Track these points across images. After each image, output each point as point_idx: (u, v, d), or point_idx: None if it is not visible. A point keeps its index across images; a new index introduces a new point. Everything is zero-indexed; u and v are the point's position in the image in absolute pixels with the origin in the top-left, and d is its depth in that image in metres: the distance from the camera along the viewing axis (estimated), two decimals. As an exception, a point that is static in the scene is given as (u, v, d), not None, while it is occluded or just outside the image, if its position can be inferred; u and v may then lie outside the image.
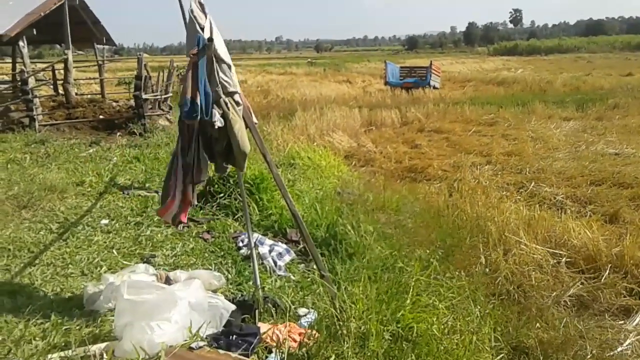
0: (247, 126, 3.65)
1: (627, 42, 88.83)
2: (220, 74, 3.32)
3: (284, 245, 5.30)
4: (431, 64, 28.92)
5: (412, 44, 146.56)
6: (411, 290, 4.00)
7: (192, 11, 3.35)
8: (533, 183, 9.90)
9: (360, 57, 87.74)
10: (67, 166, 8.67)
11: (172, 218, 3.65)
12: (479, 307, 4.35)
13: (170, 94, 15.56)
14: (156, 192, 7.00)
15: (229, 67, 3.43)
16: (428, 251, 4.82)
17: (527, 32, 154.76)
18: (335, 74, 43.19)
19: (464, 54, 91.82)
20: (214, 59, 3.27)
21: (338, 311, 3.65)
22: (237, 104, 3.49)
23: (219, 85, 3.30)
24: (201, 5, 3.44)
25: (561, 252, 5.91)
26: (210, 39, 3.23)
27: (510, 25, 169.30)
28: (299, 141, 13.07)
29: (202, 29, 3.27)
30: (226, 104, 3.34)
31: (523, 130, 15.46)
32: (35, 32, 12.98)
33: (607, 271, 5.43)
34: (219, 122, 3.26)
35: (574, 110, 18.92)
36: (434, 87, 27.32)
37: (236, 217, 6.11)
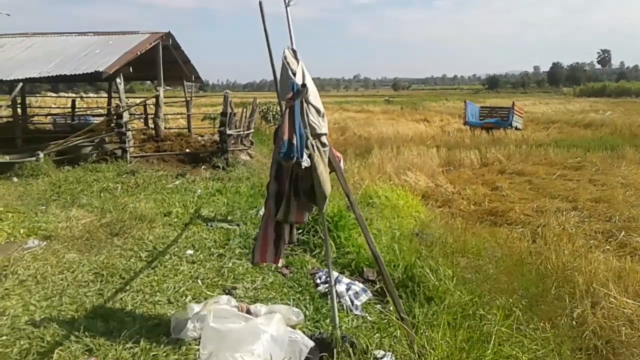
0: (332, 168, 3.74)
1: None
2: (310, 116, 3.45)
3: (361, 285, 5.29)
4: (513, 104, 28.30)
5: (493, 83, 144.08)
6: (493, 339, 3.88)
7: (285, 57, 3.53)
8: (623, 232, 9.35)
9: (439, 96, 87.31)
10: (155, 196, 9.15)
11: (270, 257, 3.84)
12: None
13: (252, 130, 16.15)
14: (237, 225, 7.23)
15: (318, 111, 3.56)
16: (510, 300, 4.64)
17: (616, 73, 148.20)
18: (412, 113, 43.20)
19: (548, 95, 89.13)
20: (304, 102, 3.42)
21: (417, 356, 3.60)
22: (323, 144, 3.60)
23: (307, 126, 3.43)
24: (294, 52, 3.62)
25: (655, 308, 5.52)
26: (304, 85, 3.37)
27: (598, 66, 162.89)
28: (375, 179, 13.11)
29: (294, 74, 3.42)
30: (313, 145, 3.46)
31: (612, 176, 14.70)
32: (131, 70, 13.95)
33: None
34: (305, 162, 3.37)
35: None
36: (516, 128, 26.63)
37: (314, 253, 6.19)
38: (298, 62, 3.57)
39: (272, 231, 3.77)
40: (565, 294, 5.51)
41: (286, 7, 3.74)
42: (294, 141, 3.27)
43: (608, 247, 8.36)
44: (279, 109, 24.46)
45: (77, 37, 15.82)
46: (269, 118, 24.68)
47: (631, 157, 17.48)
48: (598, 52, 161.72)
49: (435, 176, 15.54)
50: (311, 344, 3.51)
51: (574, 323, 4.90)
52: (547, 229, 9.48)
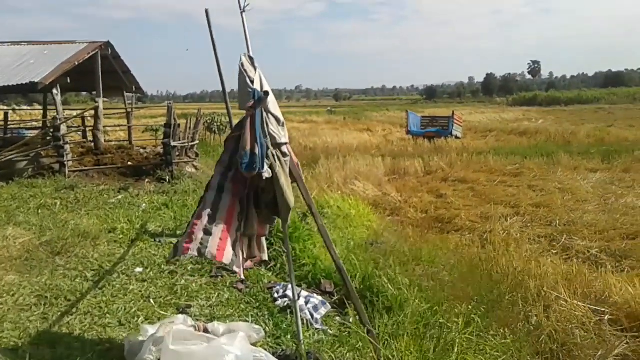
0: (293, 179, 3.65)
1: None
2: (270, 126, 3.35)
3: (320, 297, 5.20)
4: (453, 113, 29.13)
5: (431, 93, 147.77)
6: (456, 348, 3.88)
7: (242, 65, 3.42)
8: (565, 236, 9.71)
9: (379, 106, 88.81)
10: (97, 212, 8.73)
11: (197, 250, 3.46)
12: (524, 367, 4.19)
13: (197, 142, 15.81)
14: (187, 240, 6.99)
15: (278, 120, 3.46)
16: (469, 307, 4.67)
17: (546, 83, 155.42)
18: (355, 123, 43.72)
19: (483, 104, 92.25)
20: (263, 111, 3.31)
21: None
22: (284, 154, 3.51)
23: (268, 136, 3.32)
24: (251, 59, 3.51)
25: (603, 309, 5.71)
26: (267, 92, 3.27)
27: (529, 77, 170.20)
28: (324, 189, 13.10)
29: (252, 82, 3.31)
30: (273, 155, 3.36)
31: (550, 182, 15.31)
32: (69, 80, 13.37)
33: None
34: (266, 173, 3.26)
35: (600, 162, 18.72)
36: (456, 137, 27.40)
37: (269, 266, 6.05)
38: (256, 70, 3.46)
39: (205, 221, 3.48)
40: (518, 298, 5.61)
41: (242, 12, 3.64)
42: (256, 151, 3.16)
43: (552, 250, 8.67)
44: (224, 119, 24.12)
45: (10, 47, 15.04)
46: (213, 129, 24.32)
47: (566, 163, 18.27)
48: (529, 63, 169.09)
49: (382, 185, 15.71)
50: (276, 362, 3.39)
51: (531, 328, 4.98)
52: (493, 234, 9.73)
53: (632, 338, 5.16)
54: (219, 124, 24.46)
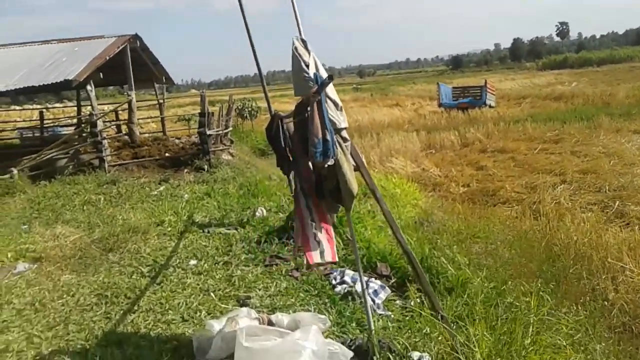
0: (356, 165, 3.52)
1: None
2: (330, 111, 3.20)
3: (378, 282, 5.09)
4: (486, 82, 28.42)
5: (457, 63, 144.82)
6: (531, 328, 3.72)
7: (296, 49, 3.26)
8: (617, 202, 9.37)
9: (406, 80, 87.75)
10: (141, 205, 8.80)
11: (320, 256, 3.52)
12: (601, 344, 4.02)
13: (231, 128, 15.79)
14: (236, 228, 6.95)
15: (336, 104, 3.31)
16: (538, 284, 4.49)
17: (575, 44, 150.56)
18: (383, 99, 43.18)
19: (512, 71, 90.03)
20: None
21: (461, 355, 3.41)
22: (344, 140, 3.36)
23: (329, 122, 3.18)
24: (304, 42, 3.34)
25: (672, 277, 5.46)
26: (331, 77, 3.12)
27: (557, 39, 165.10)
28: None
29: (308, 66, 3.16)
30: (335, 142, 3.21)
31: (593, 146, 14.82)
32: (101, 76, 13.43)
33: None
34: (330, 160, 3.13)
35: (643, 123, 18.05)
36: (490, 106, 26.78)
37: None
38: (309, 53, 3.30)
39: (312, 228, 3.50)
40: (583, 272, 5.40)
41: (292, -4, 3.48)
42: (328, 137, 3.03)
43: (608, 218, 8.36)
44: (254, 104, 24.05)
45: (41, 47, 15.18)
46: (245, 115, 24.27)
47: (607, 126, 17.67)
48: (556, 25, 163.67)
49: (420, 160, 15.46)
50: (351, 354, 3.30)
51: (603, 303, 4.78)
52: (543, 205, 9.44)
53: None
54: (250, 109, 24.37)
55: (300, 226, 3.49)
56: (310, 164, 3.41)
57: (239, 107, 23.69)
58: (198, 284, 5.01)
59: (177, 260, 5.76)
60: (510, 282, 4.77)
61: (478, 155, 15.64)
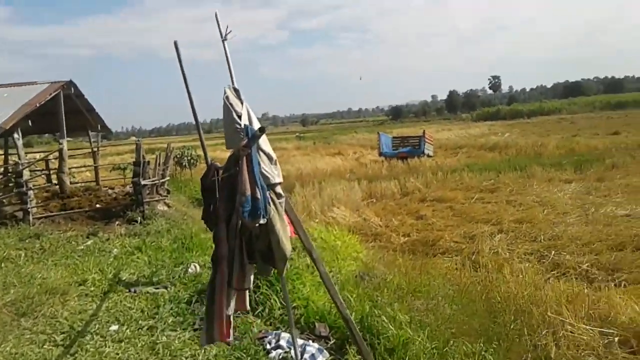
0: (291, 220, 3.29)
1: (607, 102, 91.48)
2: (262, 165, 2.98)
3: (316, 345, 4.79)
4: (424, 132, 29.21)
5: (396, 113, 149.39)
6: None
7: (227, 98, 3.06)
8: (553, 252, 9.51)
9: (348, 129, 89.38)
10: (65, 262, 8.19)
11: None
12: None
13: (168, 178, 15.30)
14: (165, 287, 6.51)
15: (270, 158, 3.10)
16: (480, 343, 4.32)
17: (507, 97, 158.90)
18: (326, 147, 43.61)
19: (448, 121, 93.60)
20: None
21: None
22: (279, 196, 3.14)
23: (260, 177, 2.96)
24: (236, 91, 3.15)
25: (611, 331, 5.44)
26: (262, 129, 2.92)
27: (490, 91, 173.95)
28: (303, 218, 12.72)
29: (240, 117, 2.96)
30: (267, 198, 2.99)
31: (527, 195, 15.25)
32: (30, 123, 12.79)
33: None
34: (263, 219, 2.89)
35: (573, 172, 18.84)
36: (428, 156, 27.43)
37: (257, 312, 5.61)
38: (242, 103, 3.11)
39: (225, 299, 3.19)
40: (523, 327, 5.29)
41: (223, 41, 3.30)
42: (258, 195, 2.79)
43: (544, 268, 8.44)
44: (194, 152, 23.53)
45: (-34, 91, 14.40)
46: (184, 163, 23.74)
47: (540, 176, 18.34)
48: (489, 79, 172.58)
49: (361, 210, 15.41)
50: None
51: (545, 361, 4.65)
52: (481, 255, 9.47)
53: (647, 361, 4.88)
54: (189, 157, 23.88)
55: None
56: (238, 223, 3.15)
57: (178, 156, 23.19)
58: (117, 354, 4.55)
59: (97, 326, 5.26)
60: (452, 342, 4.59)
61: (418, 204, 15.77)
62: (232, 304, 3.34)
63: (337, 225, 10.80)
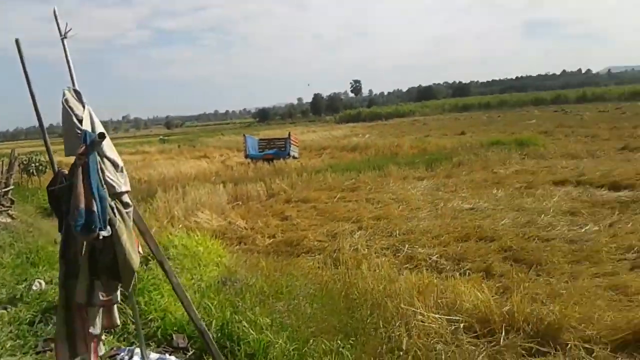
0: (140, 231, 3.13)
1: (454, 104, 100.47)
2: (107, 173, 2.80)
3: (172, 358, 4.62)
4: (289, 134, 29.61)
5: (263, 116, 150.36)
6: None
7: (66, 101, 2.82)
8: (407, 245, 10.11)
9: (214, 132, 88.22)
10: None
11: None
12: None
13: (12, 187, 13.93)
14: (5, 308, 5.90)
15: (116, 165, 2.92)
16: (338, 340, 4.46)
17: (367, 100, 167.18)
18: (191, 150, 42.59)
19: (313, 123, 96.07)
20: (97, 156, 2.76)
21: None
22: (126, 205, 2.97)
23: (105, 185, 2.77)
24: (77, 93, 2.92)
25: (457, 318, 5.90)
26: (102, 135, 2.72)
27: (352, 95, 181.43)
28: (163, 227, 12.28)
29: (81, 122, 2.75)
30: (113, 208, 2.81)
31: (385, 193, 16.08)
32: None
33: (503, 332, 5.49)
34: (105, 231, 2.71)
35: (425, 170, 20.24)
36: (294, 157, 27.87)
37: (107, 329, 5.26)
38: (84, 106, 2.89)
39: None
40: (379, 320, 5.56)
41: (62, 39, 3.04)
42: (94, 208, 2.59)
43: (399, 261, 8.95)
44: (42, 158, 21.71)
45: None
46: (31, 170, 21.78)
47: (396, 174, 19.45)
48: (351, 83, 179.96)
49: (226, 213, 15.23)
50: None
51: (399, 352, 4.91)
52: (342, 252, 9.79)
53: (486, 343, 5.36)
54: (37, 164, 21.97)
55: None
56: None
57: (24, 162, 21.23)
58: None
59: None
60: (312, 341, 4.69)
61: (283, 205, 15.94)
62: (98, 321, 3.12)
63: (200, 230, 10.52)
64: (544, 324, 5.52)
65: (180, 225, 12.50)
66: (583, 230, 10.06)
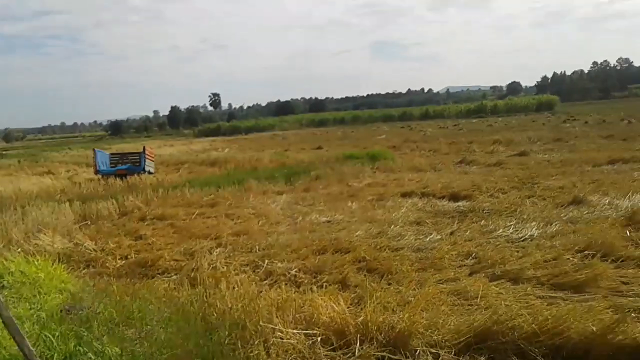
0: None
1: (312, 119, 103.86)
2: None
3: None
4: (144, 148, 28.30)
5: (116, 128, 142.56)
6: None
7: None
8: (266, 261, 10.13)
9: (60, 145, 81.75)
10: None
11: None
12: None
13: None
14: None
15: None
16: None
17: (226, 113, 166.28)
18: (33, 166, 39.13)
19: (171, 137, 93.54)
20: None
21: None
22: None
23: None
24: None
25: (314, 332, 6.00)
26: None
27: (211, 108, 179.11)
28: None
29: None
30: None
31: (245, 208, 16.02)
32: None
33: (358, 343, 5.69)
34: None
35: (284, 184, 20.55)
36: (149, 172, 26.69)
37: None
38: None
39: None
40: (237, 340, 5.47)
41: None
42: None
43: (259, 277, 8.93)
44: None
45: None
46: None
47: (256, 189, 19.48)
48: (209, 96, 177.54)
49: (73, 234, 14.07)
50: None
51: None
52: (200, 271, 9.54)
53: (342, 355, 5.51)
54: None
55: None
56: None
57: None
58: None
59: None
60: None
61: (137, 224, 15.16)
62: None
63: (42, 254, 9.63)
64: (395, 332, 5.81)
65: (19, 250, 11.34)
66: (428, 239, 10.84)
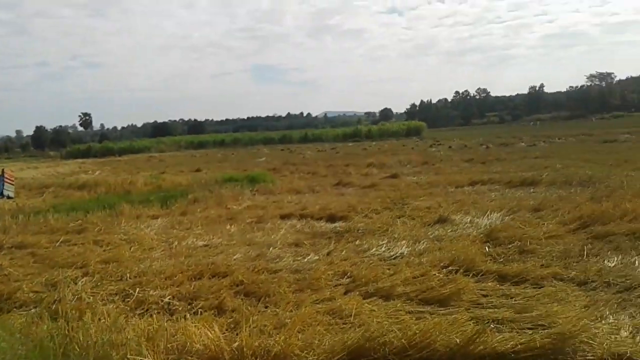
0: None
1: (190, 141, 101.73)
2: None
3: None
4: (3, 171, 25.94)
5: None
6: None
7: None
8: (138, 289, 9.63)
9: None
10: None
11: None
12: None
13: None
14: None
15: None
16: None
17: (98, 134, 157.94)
18: None
19: (35, 159, 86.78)
20: None
21: None
22: None
23: None
24: None
25: (186, 360, 5.79)
26: None
27: (81, 129, 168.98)
28: None
29: None
30: None
31: (115, 234, 15.16)
32: None
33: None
34: None
35: (160, 208, 19.78)
36: (8, 197, 24.54)
37: None
38: None
39: None
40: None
41: None
42: None
43: (126, 307, 8.45)
44: None
45: None
46: None
47: (128, 213, 18.51)
48: (79, 116, 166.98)
49: None
50: None
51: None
52: (63, 303, 8.84)
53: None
54: None
55: None
56: None
57: None
58: None
59: None
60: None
61: (-8, 254, 13.75)
62: None
63: None
64: (270, 356, 5.78)
65: None
66: (306, 259, 10.97)
